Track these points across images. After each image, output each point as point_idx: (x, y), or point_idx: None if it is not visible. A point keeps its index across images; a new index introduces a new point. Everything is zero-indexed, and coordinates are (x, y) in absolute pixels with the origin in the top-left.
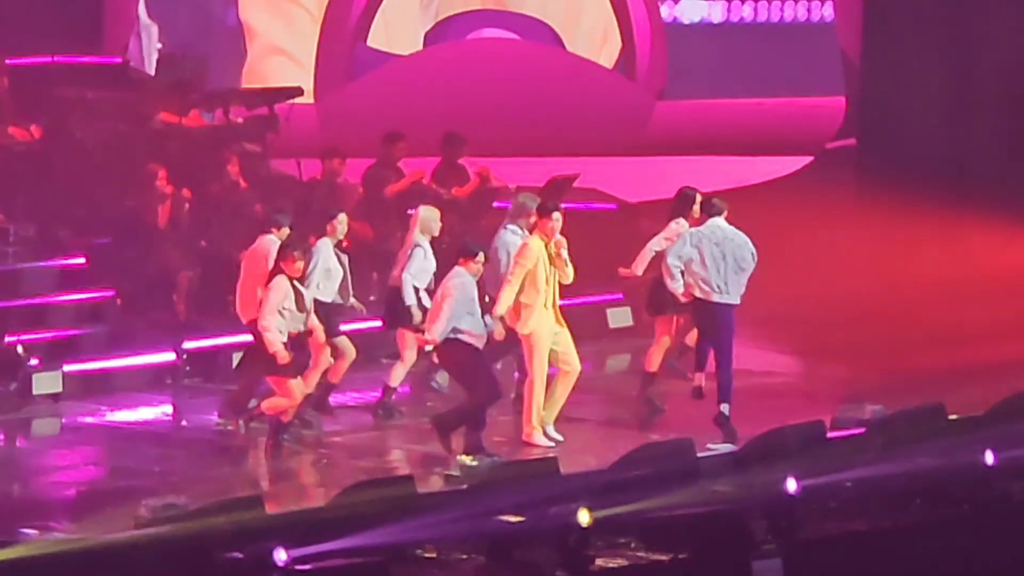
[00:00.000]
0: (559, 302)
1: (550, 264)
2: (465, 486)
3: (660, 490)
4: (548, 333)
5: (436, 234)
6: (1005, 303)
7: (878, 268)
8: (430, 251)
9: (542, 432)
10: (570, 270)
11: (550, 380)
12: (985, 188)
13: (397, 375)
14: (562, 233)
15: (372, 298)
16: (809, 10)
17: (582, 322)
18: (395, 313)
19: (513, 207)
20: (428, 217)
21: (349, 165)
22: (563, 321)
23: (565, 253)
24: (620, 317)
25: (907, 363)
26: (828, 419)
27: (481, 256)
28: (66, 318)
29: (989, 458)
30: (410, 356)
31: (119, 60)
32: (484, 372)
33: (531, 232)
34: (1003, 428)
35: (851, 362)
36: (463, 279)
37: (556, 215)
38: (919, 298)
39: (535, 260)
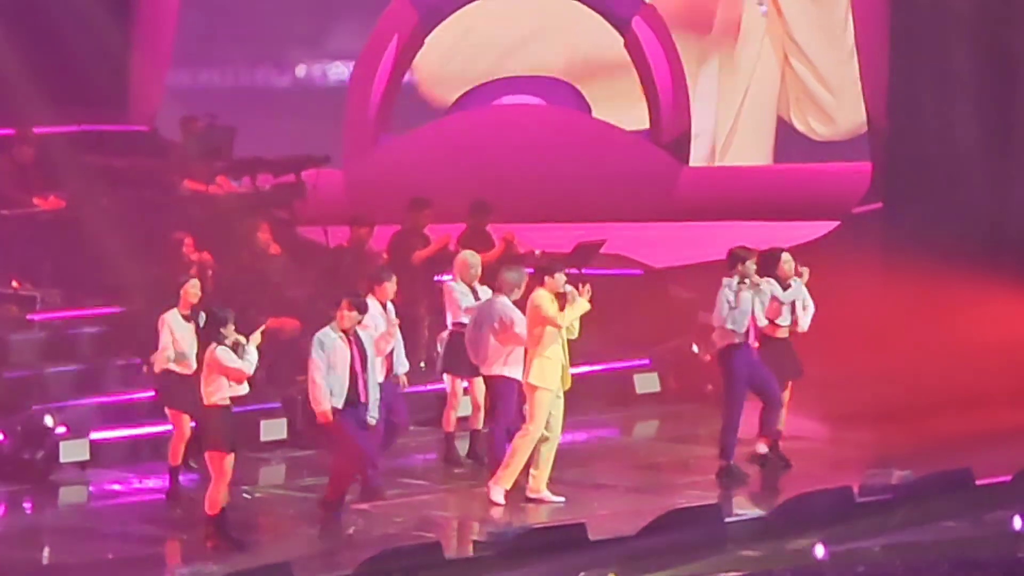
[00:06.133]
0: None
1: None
2: (493, 552)
3: (688, 556)
4: (554, 392)
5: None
6: None
7: (905, 333)
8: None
9: (502, 492)
10: (575, 325)
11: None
12: (1014, 252)
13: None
14: (589, 299)
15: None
16: None
17: (609, 388)
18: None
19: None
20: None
21: (376, 232)
22: (568, 382)
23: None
24: (647, 383)
25: (935, 428)
26: (856, 484)
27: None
28: (93, 386)
29: (1017, 523)
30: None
31: (146, 128)
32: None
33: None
34: None
35: (878, 427)
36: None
37: (559, 275)
38: (946, 363)
39: (551, 308)
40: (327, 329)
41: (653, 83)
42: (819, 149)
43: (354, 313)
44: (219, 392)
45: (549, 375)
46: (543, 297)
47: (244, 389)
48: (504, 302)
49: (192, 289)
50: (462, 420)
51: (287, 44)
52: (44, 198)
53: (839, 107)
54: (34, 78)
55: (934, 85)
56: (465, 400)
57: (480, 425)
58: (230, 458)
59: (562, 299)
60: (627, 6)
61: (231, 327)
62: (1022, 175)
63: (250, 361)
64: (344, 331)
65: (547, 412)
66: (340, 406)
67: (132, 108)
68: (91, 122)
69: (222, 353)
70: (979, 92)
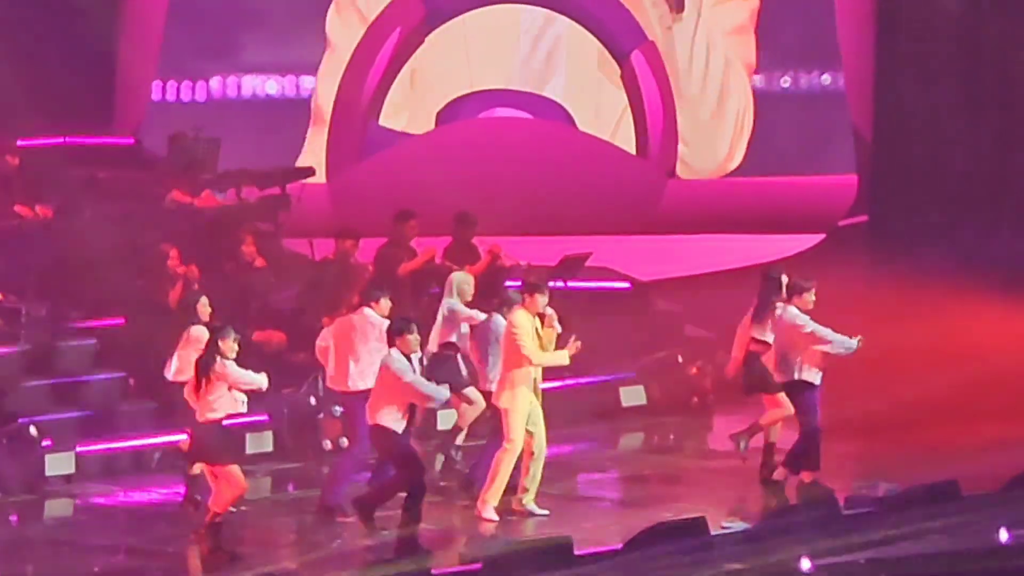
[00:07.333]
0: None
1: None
2: (479, 564)
3: (673, 569)
4: (525, 407)
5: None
6: (1019, 380)
7: (891, 345)
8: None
9: (492, 508)
10: (553, 348)
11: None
12: (999, 266)
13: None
14: (575, 311)
15: None
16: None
17: (595, 400)
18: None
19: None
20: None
21: (361, 245)
22: (539, 396)
23: (557, 324)
24: (633, 395)
25: (920, 440)
26: (842, 496)
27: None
28: (78, 399)
29: (1003, 536)
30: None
31: (130, 140)
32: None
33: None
34: (1017, 506)
35: (864, 439)
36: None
37: (539, 296)
38: (932, 375)
39: (530, 330)
40: (393, 352)
41: (644, 117)
42: (805, 162)
43: (417, 337)
44: (223, 407)
45: (518, 393)
46: (522, 321)
47: (243, 407)
48: (497, 321)
49: (204, 308)
50: (447, 432)
51: (275, 56)
52: (29, 210)
53: (693, 155)
54: (18, 90)
55: (920, 98)
56: (448, 413)
57: (459, 442)
58: (235, 468)
59: (541, 319)
60: (630, 40)
61: (231, 342)
62: (1008, 188)
63: (259, 377)
64: (407, 355)
65: (520, 427)
66: (401, 431)
67: (117, 120)
68: (76, 134)
69: (234, 368)
70: (965, 106)
